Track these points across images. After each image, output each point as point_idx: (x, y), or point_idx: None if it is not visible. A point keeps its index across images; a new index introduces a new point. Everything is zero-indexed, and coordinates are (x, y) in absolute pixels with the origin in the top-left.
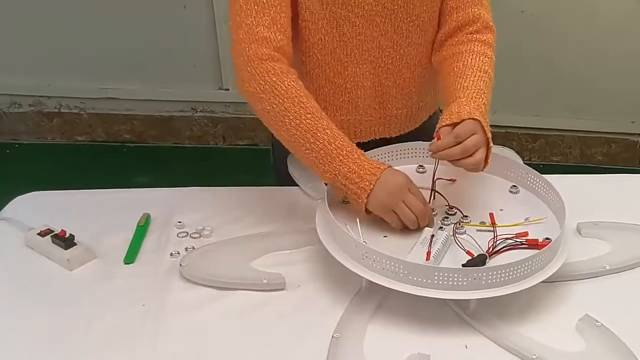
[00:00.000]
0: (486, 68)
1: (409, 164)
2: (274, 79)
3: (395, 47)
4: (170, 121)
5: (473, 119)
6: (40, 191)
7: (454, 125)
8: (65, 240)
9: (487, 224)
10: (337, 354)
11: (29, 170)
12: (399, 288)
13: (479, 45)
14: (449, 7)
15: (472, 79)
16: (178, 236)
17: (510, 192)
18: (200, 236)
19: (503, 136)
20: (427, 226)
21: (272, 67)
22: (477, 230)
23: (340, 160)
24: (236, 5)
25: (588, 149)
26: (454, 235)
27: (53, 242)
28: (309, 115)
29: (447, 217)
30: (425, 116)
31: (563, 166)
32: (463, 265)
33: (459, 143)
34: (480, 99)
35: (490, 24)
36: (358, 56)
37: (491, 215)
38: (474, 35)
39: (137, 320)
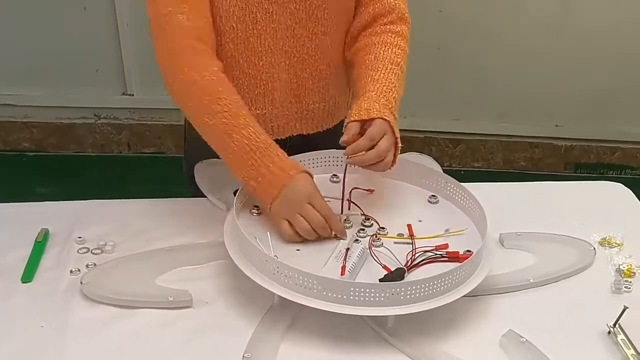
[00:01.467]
0: (398, 60)
1: (323, 173)
2: (194, 74)
3: (310, 35)
4: (71, 128)
5: (383, 118)
6: None
7: (362, 121)
8: None
9: (405, 236)
10: None
11: None
12: (313, 304)
13: (392, 36)
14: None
15: (383, 71)
16: (78, 252)
17: (429, 202)
18: (102, 252)
19: (422, 141)
20: (339, 238)
21: (193, 62)
22: (395, 243)
23: (252, 163)
24: (153, 3)
25: (511, 154)
26: (370, 248)
27: None
28: (225, 113)
29: (363, 229)
30: (344, 113)
31: (485, 172)
32: (380, 280)
33: (373, 146)
34: (391, 93)
35: (406, 15)
36: (272, 45)
37: (409, 226)
38: (388, 27)
39: (36, 342)
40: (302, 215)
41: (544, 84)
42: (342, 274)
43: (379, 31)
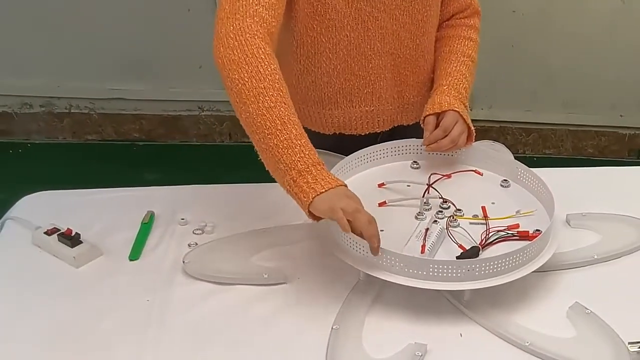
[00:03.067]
0: (470, 52)
1: (403, 160)
2: (262, 56)
3: (412, 37)
4: (177, 120)
5: (453, 110)
6: (47, 191)
7: (437, 114)
8: (71, 239)
9: (479, 217)
10: (336, 346)
11: (41, 169)
12: (396, 280)
13: (466, 29)
14: None
15: (455, 64)
16: (181, 232)
17: (502, 186)
18: (203, 232)
19: (498, 130)
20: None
21: (263, 46)
22: (470, 223)
23: (301, 156)
24: None
25: (579, 142)
26: (447, 228)
27: (59, 240)
28: (284, 104)
29: (441, 211)
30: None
31: (555, 159)
32: (457, 257)
33: (447, 135)
34: (461, 84)
35: (478, 8)
36: (380, 49)
37: (483, 208)
38: (462, 20)
39: (142, 315)
40: (354, 212)
41: (607, 76)
42: (422, 252)
43: (454, 24)
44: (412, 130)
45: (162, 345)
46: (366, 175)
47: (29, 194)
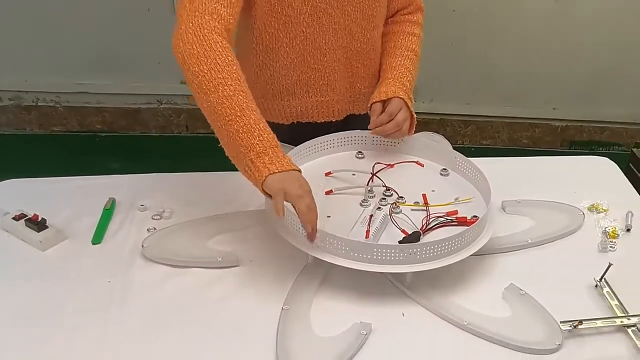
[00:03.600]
0: (413, 47)
1: (349, 150)
2: (220, 49)
3: (363, 32)
4: (137, 112)
5: (398, 97)
6: (16, 179)
7: (383, 102)
8: (37, 224)
9: (420, 204)
10: (286, 325)
11: (9, 159)
12: (342, 263)
13: (409, 25)
14: None
15: (400, 58)
16: (141, 218)
17: (441, 174)
18: (161, 218)
19: (438, 122)
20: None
21: (220, 40)
22: (412, 210)
23: (260, 139)
24: None
25: (514, 134)
26: (390, 214)
27: (27, 225)
28: (242, 93)
29: (385, 198)
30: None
31: (492, 149)
32: (399, 242)
33: (392, 119)
34: (405, 77)
35: (421, 5)
36: (334, 43)
37: (424, 196)
38: (406, 16)
39: (104, 296)
40: (297, 197)
41: (542, 72)
42: (366, 237)
43: (398, 20)
44: (364, 120)
45: (123, 325)
46: (314, 164)
47: None
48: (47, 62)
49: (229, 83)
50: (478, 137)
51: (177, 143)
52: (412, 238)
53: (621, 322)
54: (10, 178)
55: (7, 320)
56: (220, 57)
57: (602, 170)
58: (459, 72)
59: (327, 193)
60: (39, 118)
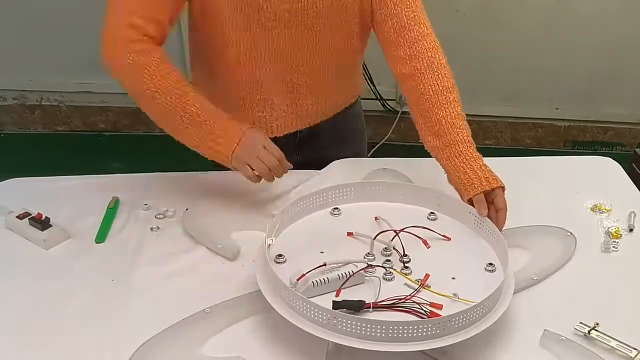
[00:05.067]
0: (449, 83)
1: (322, 208)
2: (143, 58)
3: (307, 48)
4: (141, 112)
5: (501, 187)
6: (20, 178)
7: (486, 192)
8: (41, 223)
9: (414, 281)
10: None
11: (14, 158)
12: (370, 347)
13: (431, 56)
14: (381, 15)
15: (450, 110)
16: (144, 217)
17: (485, 269)
18: (165, 217)
19: None
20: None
21: (140, 48)
22: (404, 284)
23: (207, 128)
24: None
25: (517, 134)
26: (363, 271)
27: (30, 224)
28: (177, 92)
29: (390, 261)
30: (339, 109)
31: (495, 149)
32: (334, 302)
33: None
34: (468, 136)
35: (427, 23)
36: (272, 57)
37: (426, 276)
38: (420, 45)
39: (107, 295)
40: (259, 159)
41: (544, 71)
42: (336, 295)
43: (416, 54)
44: (333, 129)
45: (125, 323)
46: (373, 206)
47: (2, 180)
48: (50, 62)
49: (162, 88)
50: (481, 137)
51: (180, 143)
52: (351, 304)
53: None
54: (15, 177)
55: (12, 318)
56: (148, 66)
57: (605, 171)
58: (460, 72)
59: (349, 234)
60: (43, 117)
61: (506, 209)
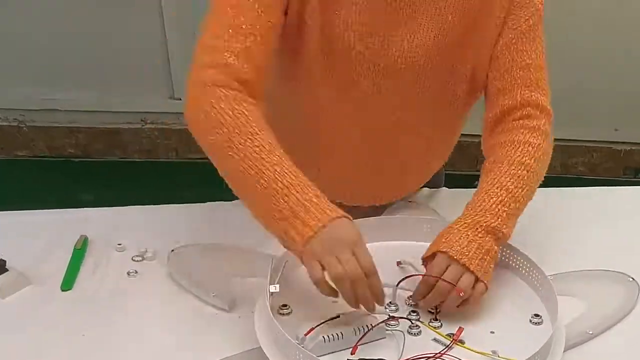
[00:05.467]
0: (523, 159)
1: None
2: (222, 105)
3: (388, 133)
4: (117, 134)
5: (441, 252)
6: None
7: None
8: None
9: (445, 336)
10: None
11: None
12: None
13: (524, 133)
14: (495, 88)
15: (493, 175)
16: (118, 259)
17: (530, 321)
18: (143, 259)
19: (477, 145)
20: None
21: (224, 94)
22: (432, 339)
23: (284, 200)
24: (207, 25)
25: (569, 159)
26: (384, 324)
27: None
28: (256, 149)
29: (416, 312)
30: (423, 182)
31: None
32: None
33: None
34: (494, 200)
35: (547, 107)
36: (352, 115)
37: (460, 329)
38: (520, 122)
39: (78, 352)
40: (338, 259)
41: (601, 88)
42: (352, 353)
43: (509, 127)
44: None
45: None
46: (395, 245)
47: None
48: (9, 73)
49: (237, 142)
50: None
51: (166, 170)
52: None
53: None
54: None
55: None
56: (224, 115)
57: None
58: None
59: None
60: (1, 140)
61: (424, 285)
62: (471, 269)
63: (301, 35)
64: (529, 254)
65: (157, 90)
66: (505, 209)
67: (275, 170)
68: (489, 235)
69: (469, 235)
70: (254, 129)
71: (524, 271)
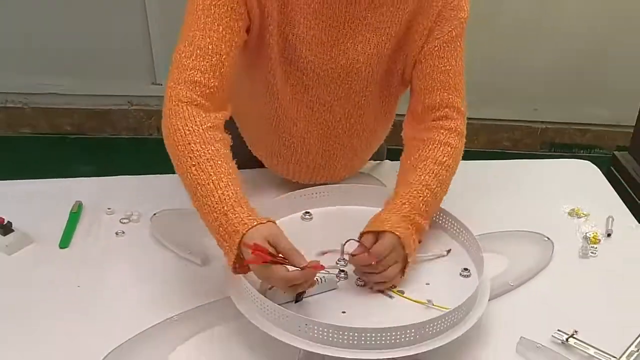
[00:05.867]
0: (444, 159)
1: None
2: (179, 123)
3: (346, 114)
4: (107, 114)
5: (393, 233)
6: None
7: (376, 233)
8: (3, 227)
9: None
10: None
11: None
12: (347, 355)
13: (443, 133)
14: (418, 87)
15: (420, 173)
16: (108, 221)
17: (460, 275)
18: (129, 221)
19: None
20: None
21: (182, 110)
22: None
23: (212, 219)
24: (180, 44)
25: (493, 136)
26: (335, 277)
27: None
28: (192, 168)
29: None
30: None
31: (470, 152)
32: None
33: (378, 262)
34: (419, 198)
35: (462, 108)
36: (309, 116)
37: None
38: (440, 122)
39: (73, 301)
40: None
41: (522, 72)
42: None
43: (430, 127)
44: None
45: (91, 331)
46: (345, 210)
47: None
48: (14, 63)
49: (182, 158)
50: None
51: (147, 145)
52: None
53: None
54: None
55: None
56: (178, 132)
57: (583, 174)
58: None
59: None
60: (7, 119)
61: (380, 257)
62: (409, 260)
63: (262, 47)
64: (460, 218)
65: (142, 77)
66: (424, 206)
67: (211, 183)
68: (418, 232)
69: (409, 228)
70: (195, 145)
71: (455, 232)
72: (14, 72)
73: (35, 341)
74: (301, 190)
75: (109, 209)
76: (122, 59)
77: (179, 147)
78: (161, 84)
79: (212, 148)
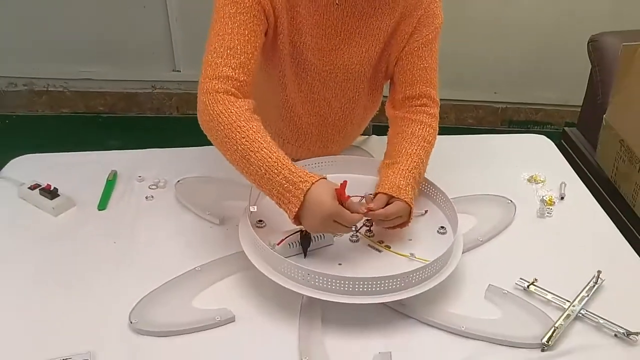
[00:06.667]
0: (430, 138)
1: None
2: (220, 107)
3: (342, 107)
4: (134, 96)
5: (406, 202)
6: (31, 154)
7: (389, 196)
8: (50, 192)
9: (383, 245)
10: None
11: (24, 137)
12: (345, 300)
13: (427, 117)
14: (399, 80)
15: (416, 147)
16: (139, 188)
17: (438, 232)
18: (157, 187)
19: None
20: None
21: (221, 98)
22: (367, 245)
23: (271, 177)
24: (210, 46)
25: (461, 114)
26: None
27: (41, 194)
28: (243, 140)
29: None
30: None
31: (440, 128)
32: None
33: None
34: (417, 169)
35: (436, 99)
36: (310, 110)
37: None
38: (420, 108)
39: (111, 256)
40: (338, 222)
41: (485, 58)
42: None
43: (414, 111)
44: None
45: (127, 279)
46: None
47: (15, 157)
48: (55, 53)
49: (230, 137)
50: None
51: (169, 123)
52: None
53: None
54: (25, 154)
55: (23, 279)
56: (221, 116)
57: (539, 147)
58: None
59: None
60: (50, 101)
61: (390, 218)
62: (409, 221)
63: (276, 50)
64: (437, 184)
65: (163, 65)
66: (419, 177)
67: (260, 154)
68: (415, 197)
69: (414, 194)
70: (240, 123)
71: (433, 196)
72: (56, 61)
73: (79, 289)
74: (304, 160)
75: (139, 177)
76: (147, 50)
77: (225, 127)
78: (180, 71)
79: (256, 124)
